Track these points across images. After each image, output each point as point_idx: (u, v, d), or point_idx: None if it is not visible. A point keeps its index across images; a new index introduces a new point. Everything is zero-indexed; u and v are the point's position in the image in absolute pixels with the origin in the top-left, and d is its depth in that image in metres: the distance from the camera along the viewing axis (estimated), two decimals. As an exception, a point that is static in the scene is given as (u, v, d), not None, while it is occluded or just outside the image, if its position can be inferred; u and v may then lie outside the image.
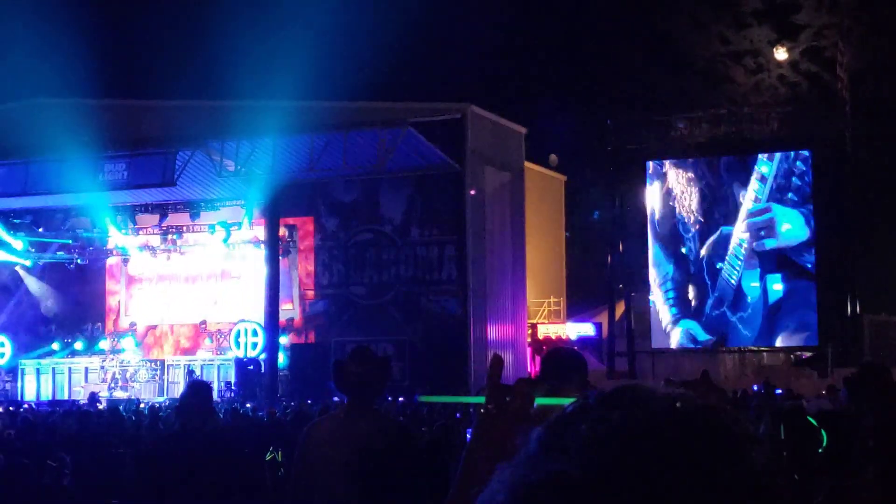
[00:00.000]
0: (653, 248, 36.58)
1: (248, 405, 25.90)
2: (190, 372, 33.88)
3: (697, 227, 35.91)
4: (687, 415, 1.13)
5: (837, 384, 18.44)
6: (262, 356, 33.45)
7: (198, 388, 7.00)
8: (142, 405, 26.76)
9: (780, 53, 44.03)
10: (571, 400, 1.23)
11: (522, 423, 1.46)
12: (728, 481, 1.08)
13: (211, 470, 6.44)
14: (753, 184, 35.06)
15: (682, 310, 35.99)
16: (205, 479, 6.41)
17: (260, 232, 34.42)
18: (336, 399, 21.91)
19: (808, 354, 35.15)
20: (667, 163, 36.58)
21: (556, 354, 5.07)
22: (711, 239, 35.55)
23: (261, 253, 34.04)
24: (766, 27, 44.46)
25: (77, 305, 39.08)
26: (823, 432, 4.70)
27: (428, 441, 11.80)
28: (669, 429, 1.11)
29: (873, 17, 43.19)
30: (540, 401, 1.47)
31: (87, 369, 35.83)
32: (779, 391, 25.38)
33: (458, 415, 16.67)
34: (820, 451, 4.69)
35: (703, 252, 35.74)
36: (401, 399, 23.86)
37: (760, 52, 44.69)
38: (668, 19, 45.89)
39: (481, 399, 1.54)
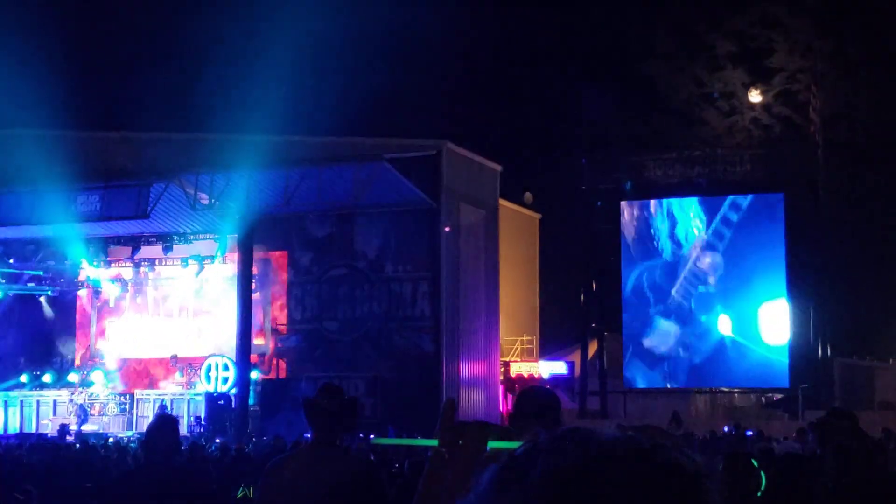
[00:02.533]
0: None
1: (217, 440, 25.73)
2: (161, 407, 33.63)
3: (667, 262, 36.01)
4: (639, 454, 1.14)
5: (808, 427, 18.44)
6: (233, 391, 33.24)
7: (163, 422, 6.93)
8: (110, 439, 26.53)
9: (754, 96, 44.44)
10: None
11: (475, 466, 1.45)
12: None
13: (175, 505, 6.37)
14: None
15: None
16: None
17: (233, 266, 34.29)
18: (307, 435, 21.81)
19: (779, 396, 35.23)
20: (638, 203, 36.74)
21: (530, 393, 5.07)
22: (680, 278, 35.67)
23: (233, 287, 33.90)
24: (740, 70, 44.88)
25: (47, 337, 38.76)
26: (763, 474, 4.77)
27: (403, 477, 11.73)
28: (623, 467, 1.12)
29: (846, 62, 43.70)
30: (493, 444, 1.46)
31: (55, 402, 35.48)
32: (749, 433, 25.41)
33: (429, 452, 16.58)
34: (759, 493, 4.75)
35: (673, 292, 35.84)
36: (371, 436, 23.74)
37: (734, 94, 45.09)
38: (643, 61, 46.26)
39: (434, 442, 1.52)
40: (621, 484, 1.11)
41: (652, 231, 36.40)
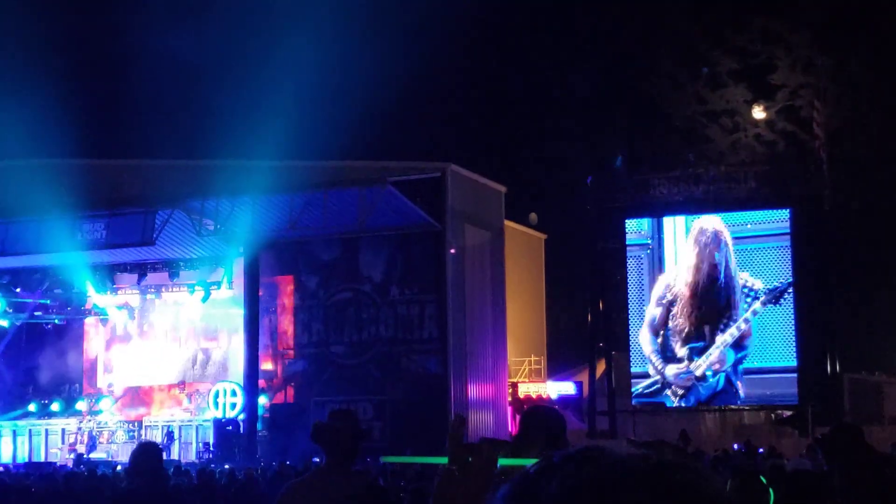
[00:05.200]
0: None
1: (225, 466, 25.67)
2: (169, 434, 33.62)
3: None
4: (654, 473, 1.14)
5: (815, 443, 18.37)
6: (241, 417, 33.22)
7: (146, 449, 6.96)
8: (118, 467, 26.48)
9: (757, 113, 44.47)
10: (534, 461, 1.22)
11: (485, 483, 1.43)
12: None
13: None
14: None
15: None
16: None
17: (239, 291, 34.31)
18: (316, 460, 21.76)
19: (789, 413, 35.10)
20: (645, 221, 36.71)
21: (535, 413, 5.05)
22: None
23: (240, 312, 33.91)
24: (742, 87, 44.93)
25: (54, 366, 38.78)
26: (771, 491, 4.78)
27: (413, 492, 11.68)
28: (638, 486, 1.12)
29: (848, 77, 43.74)
30: (503, 461, 1.44)
31: (63, 431, 35.50)
32: (760, 450, 25.33)
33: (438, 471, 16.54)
34: None
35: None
36: (381, 460, 23.68)
37: (737, 111, 45.11)
38: (646, 79, 46.34)
39: (445, 459, 1.51)
40: (637, 502, 1.10)
41: (662, 249, 36.32)
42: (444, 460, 1.50)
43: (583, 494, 1.12)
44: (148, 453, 6.80)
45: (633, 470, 1.14)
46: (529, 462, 1.27)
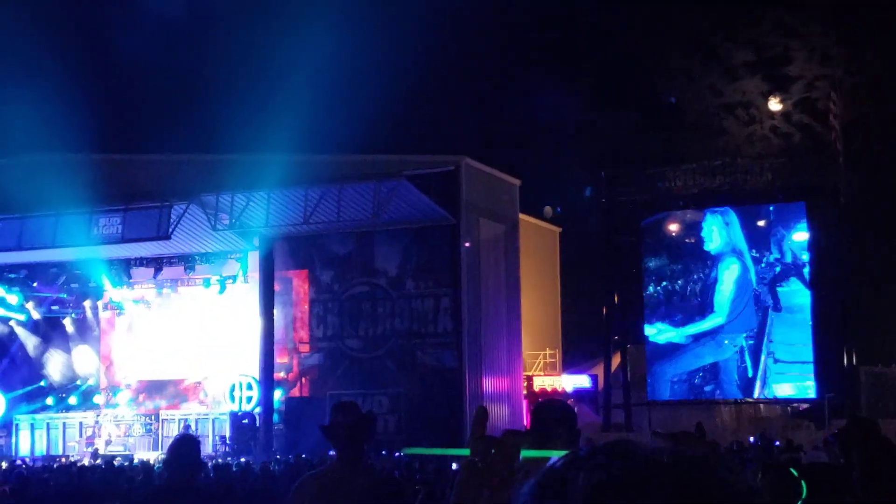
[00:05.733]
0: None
1: (242, 460, 25.75)
2: (186, 426, 33.71)
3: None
4: (684, 469, 1.14)
5: (831, 437, 18.32)
6: (257, 410, 33.29)
7: (185, 441, 6.90)
8: (136, 460, 26.59)
9: (773, 105, 44.30)
10: (558, 453, 1.22)
11: (508, 475, 1.44)
12: None
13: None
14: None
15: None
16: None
17: (255, 285, 34.37)
18: (332, 453, 21.75)
19: (805, 406, 35.01)
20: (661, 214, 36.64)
21: (545, 406, 5.06)
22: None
23: (255, 306, 33.98)
24: (757, 79, 44.78)
25: (71, 360, 38.93)
26: (804, 483, 4.75)
27: (424, 494, 11.71)
28: (668, 483, 1.12)
29: (865, 69, 43.55)
30: (526, 453, 1.44)
31: (81, 424, 35.63)
32: (776, 443, 25.26)
33: (453, 465, 16.56)
34: (799, 502, 4.74)
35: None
36: (396, 454, 23.73)
37: (753, 103, 44.97)
38: (661, 72, 46.20)
39: (466, 451, 1.51)
40: (666, 500, 1.10)
41: (684, 241, 36.27)
42: (465, 452, 1.50)
43: (611, 490, 1.11)
44: (186, 446, 6.77)
45: (662, 466, 1.13)
46: (552, 454, 1.27)
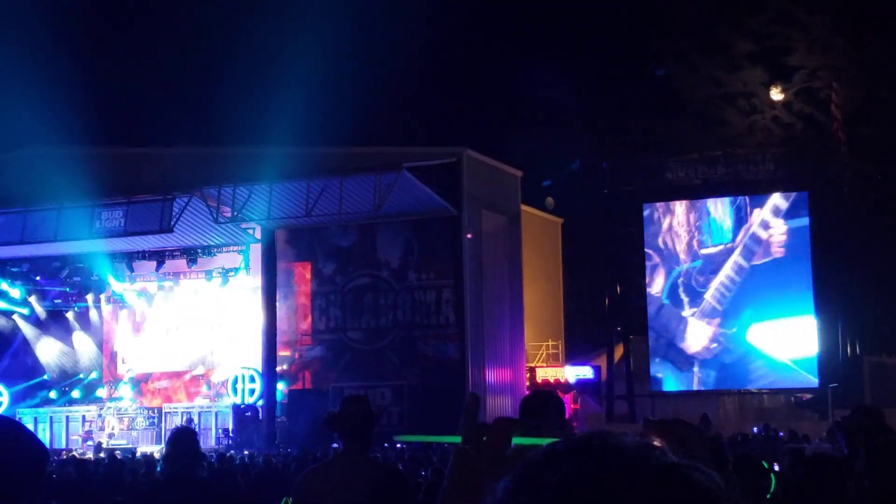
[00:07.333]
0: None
1: (245, 452, 25.78)
2: (188, 419, 33.77)
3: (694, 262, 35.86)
4: (654, 470, 1.14)
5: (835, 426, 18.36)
6: (260, 403, 33.34)
7: (182, 434, 6.91)
8: (138, 453, 26.64)
9: (775, 95, 44.23)
10: (549, 440, 1.22)
11: (499, 462, 1.43)
12: None
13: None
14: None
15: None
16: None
17: (257, 277, 34.40)
18: (335, 445, 21.80)
19: (809, 396, 35.02)
20: (662, 204, 36.60)
21: (531, 395, 5.13)
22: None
23: (258, 299, 34.00)
24: (759, 69, 44.70)
25: (74, 353, 38.98)
26: (773, 476, 4.79)
27: (429, 484, 11.73)
28: (637, 482, 1.12)
29: (866, 58, 43.47)
30: (517, 440, 1.44)
31: (84, 417, 35.70)
32: (780, 434, 25.28)
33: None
34: (768, 495, 4.76)
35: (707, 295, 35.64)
36: (398, 445, 23.74)
37: (754, 93, 44.89)
38: (662, 62, 46.13)
39: (458, 438, 1.51)
40: (633, 501, 1.11)
41: (687, 232, 36.23)
42: (457, 439, 1.50)
43: (577, 488, 1.13)
44: (184, 440, 6.77)
45: (628, 465, 1.14)
46: (544, 441, 1.27)
